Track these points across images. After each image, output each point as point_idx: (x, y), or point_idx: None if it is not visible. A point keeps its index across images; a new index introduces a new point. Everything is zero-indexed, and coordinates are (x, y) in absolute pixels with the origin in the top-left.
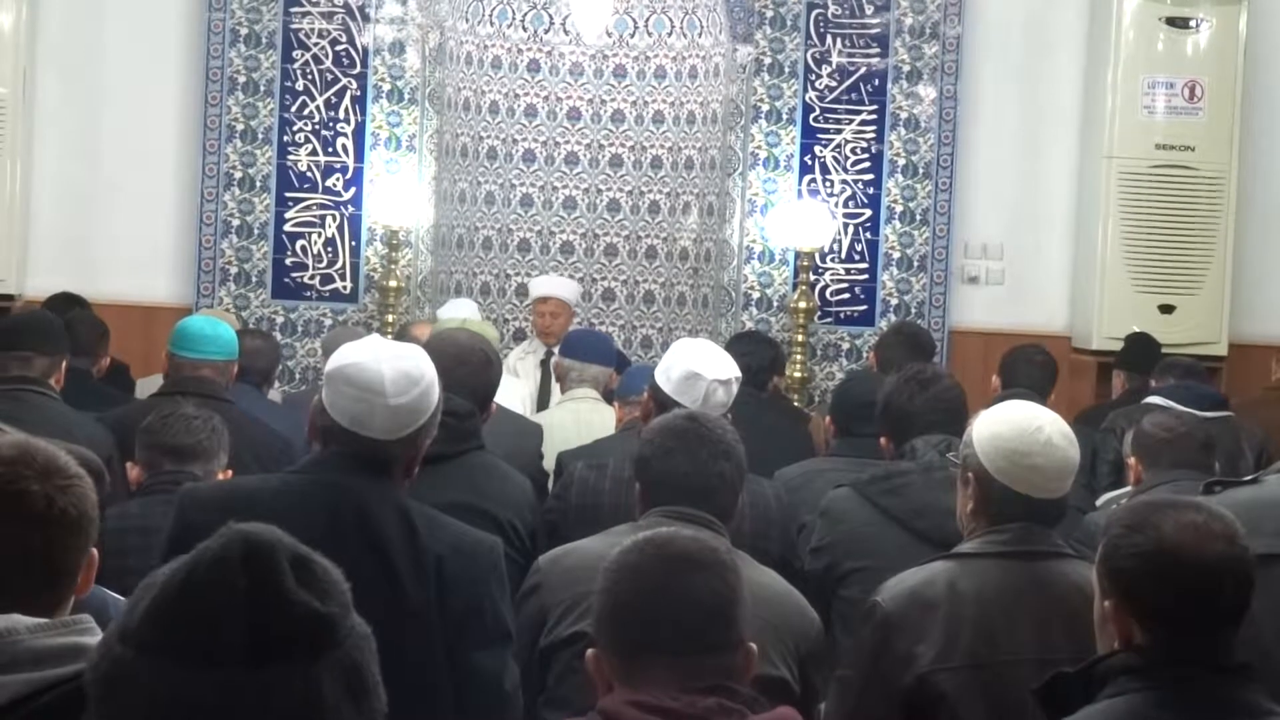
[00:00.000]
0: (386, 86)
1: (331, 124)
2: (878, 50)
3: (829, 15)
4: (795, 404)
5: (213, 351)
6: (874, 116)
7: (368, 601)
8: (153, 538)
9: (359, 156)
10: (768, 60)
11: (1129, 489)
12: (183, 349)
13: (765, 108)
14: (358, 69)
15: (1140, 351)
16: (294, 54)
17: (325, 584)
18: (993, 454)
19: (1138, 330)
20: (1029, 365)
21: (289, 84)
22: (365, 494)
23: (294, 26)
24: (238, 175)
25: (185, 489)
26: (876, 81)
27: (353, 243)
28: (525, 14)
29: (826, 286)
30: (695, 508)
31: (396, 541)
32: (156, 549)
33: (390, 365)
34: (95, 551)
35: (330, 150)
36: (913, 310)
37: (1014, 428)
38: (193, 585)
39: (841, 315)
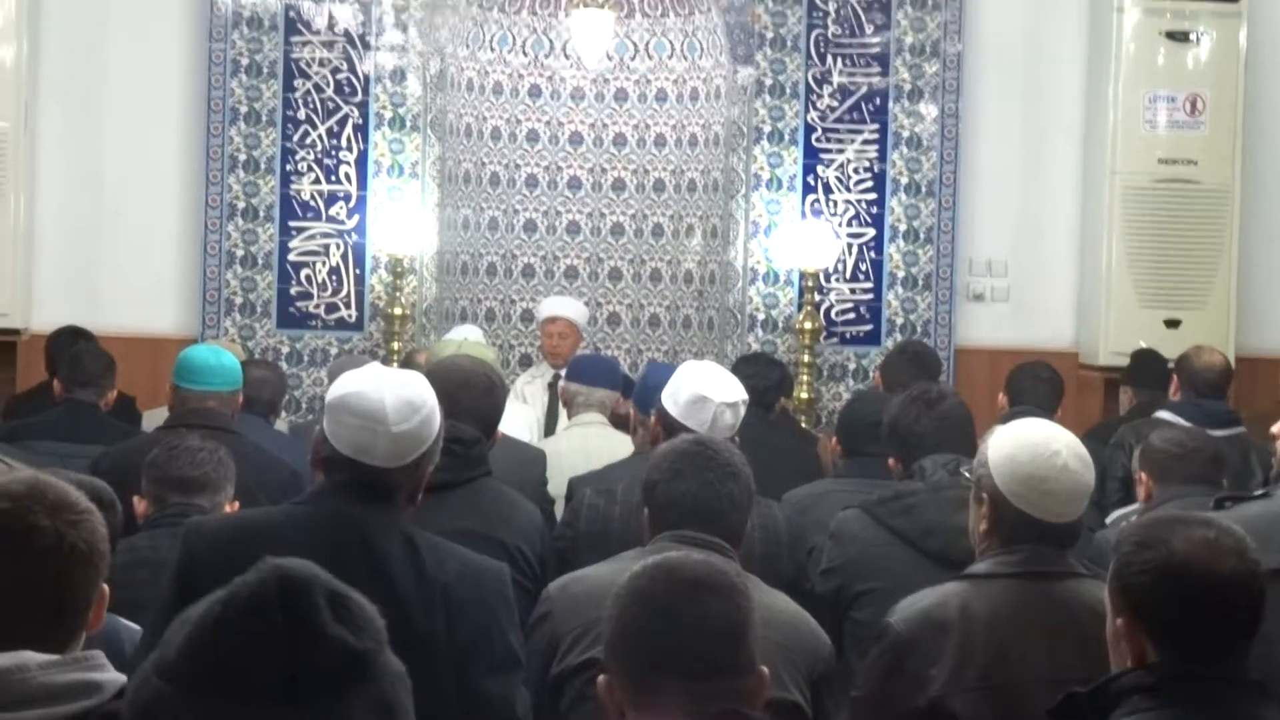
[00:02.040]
0: (388, 114)
1: (334, 152)
2: (878, 69)
3: (829, 35)
4: (803, 425)
5: (218, 383)
6: (876, 135)
7: None
8: (161, 571)
9: (362, 184)
10: (769, 81)
11: (1138, 506)
12: (187, 381)
13: (767, 129)
14: (359, 97)
15: (1146, 367)
16: (295, 83)
17: (361, 620)
18: (1008, 477)
19: (1144, 346)
20: (1036, 382)
21: (291, 113)
22: (369, 522)
23: (295, 56)
24: (241, 205)
25: (190, 522)
26: (878, 100)
27: (357, 271)
28: (526, 39)
29: (831, 307)
30: (704, 531)
31: (402, 569)
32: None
33: (391, 393)
34: (106, 587)
35: (333, 178)
36: (918, 329)
37: (1030, 452)
38: (230, 621)
39: (847, 335)
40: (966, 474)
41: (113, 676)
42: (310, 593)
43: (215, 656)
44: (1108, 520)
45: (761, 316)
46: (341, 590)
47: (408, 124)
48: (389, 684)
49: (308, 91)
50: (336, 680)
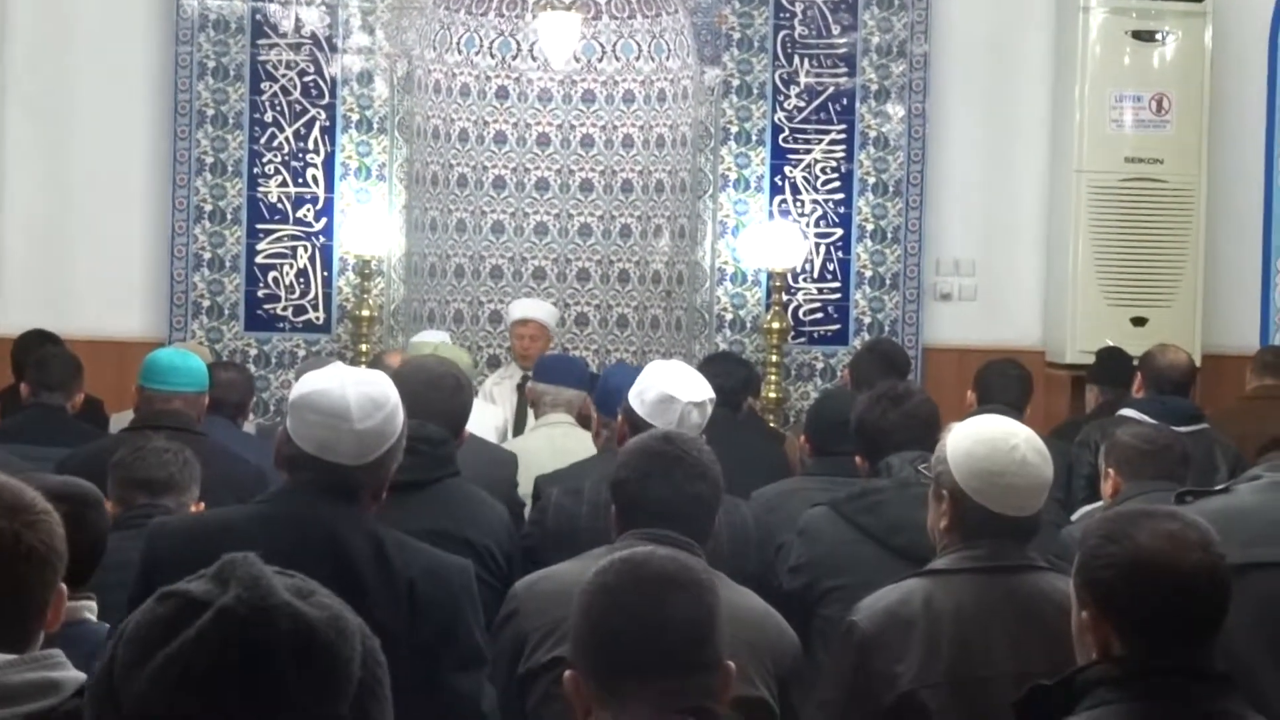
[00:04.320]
0: (355, 116)
1: (301, 155)
2: (845, 70)
3: (796, 36)
4: (771, 424)
5: (183, 384)
6: (843, 136)
7: None
8: (128, 572)
9: (329, 187)
10: (736, 82)
11: (1103, 503)
12: (153, 382)
13: (734, 129)
14: (326, 99)
15: (1113, 365)
16: (262, 86)
17: (332, 675)
18: (967, 473)
19: (1110, 344)
20: (1004, 380)
21: (258, 116)
22: (334, 520)
23: (262, 59)
24: (208, 208)
25: (155, 522)
26: (845, 101)
27: (325, 273)
28: (493, 41)
29: (799, 306)
30: (671, 529)
31: (367, 567)
32: None
33: (355, 390)
34: (64, 586)
35: (300, 181)
36: (886, 328)
37: (988, 446)
38: (189, 684)
39: (815, 335)
40: (925, 471)
41: (72, 675)
42: (271, 648)
43: (154, 698)
44: (1073, 517)
45: (729, 317)
46: (311, 633)
47: (375, 126)
48: None
49: (275, 94)
50: None
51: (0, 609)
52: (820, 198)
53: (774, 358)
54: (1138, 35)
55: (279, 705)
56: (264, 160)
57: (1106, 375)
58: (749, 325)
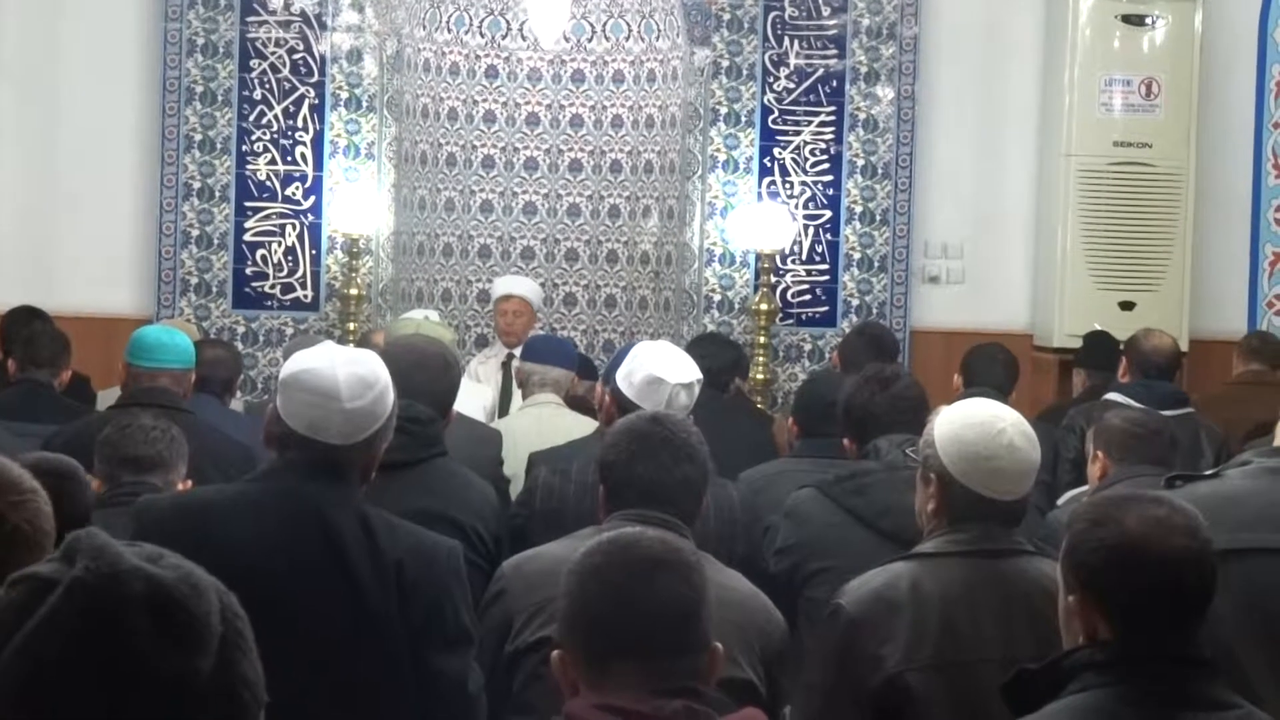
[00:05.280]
0: (344, 95)
1: (290, 133)
2: (835, 52)
3: (786, 17)
4: (758, 406)
5: (170, 360)
6: (832, 118)
7: (328, 607)
8: None
9: (318, 165)
10: (725, 63)
11: (1089, 487)
12: (139, 359)
13: (724, 110)
14: (315, 77)
15: (1099, 350)
16: (251, 63)
17: (194, 629)
18: (955, 456)
19: (1097, 328)
20: (991, 363)
21: (247, 93)
22: (323, 500)
23: (251, 36)
24: (196, 185)
25: (142, 500)
26: (834, 83)
27: (313, 251)
28: (482, 20)
29: (788, 288)
30: (659, 511)
31: (355, 547)
32: None
33: (345, 370)
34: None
35: (289, 159)
36: (874, 311)
37: (976, 430)
38: (49, 660)
39: (803, 317)
40: (913, 454)
41: None
42: (125, 611)
43: (14, 697)
44: (1059, 501)
45: (718, 298)
46: (165, 591)
47: (364, 105)
48: (236, 693)
49: (264, 72)
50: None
51: None
52: (809, 180)
53: (762, 339)
54: (1127, 19)
55: (140, 666)
56: (253, 138)
57: (1093, 359)
58: (737, 306)
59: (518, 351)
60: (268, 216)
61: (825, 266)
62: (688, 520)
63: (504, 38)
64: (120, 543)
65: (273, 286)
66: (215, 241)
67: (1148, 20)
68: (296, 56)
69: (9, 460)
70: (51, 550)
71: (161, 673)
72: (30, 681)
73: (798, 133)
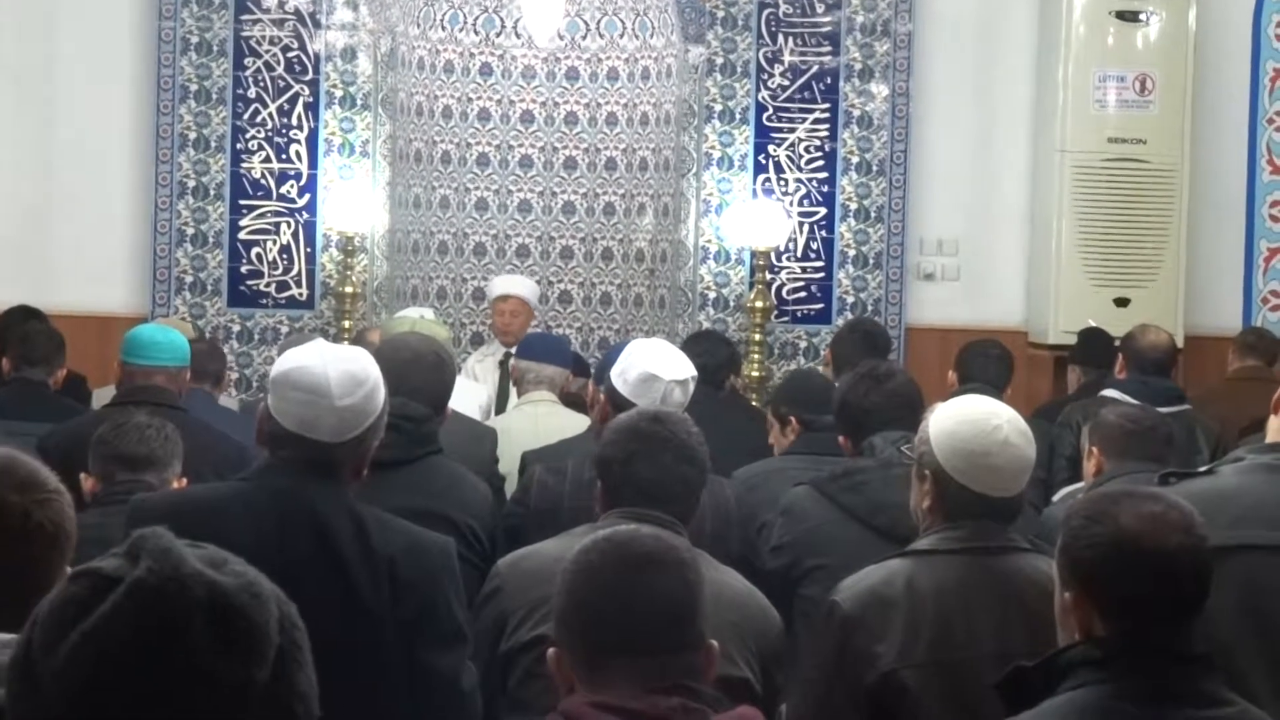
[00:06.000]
0: (339, 92)
1: (285, 131)
2: (829, 48)
3: (780, 14)
4: (753, 403)
5: (165, 358)
6: (827, 115)
7: (321, 605)
8: (110, 549)
9: (313, 163)
10: (720, 60)
11: (1084, 484)
12: (134, 356)
13: (718, 108)
14: (310, 75)
15: (1094, 346)
16: (246, 61)
17: (251, 639)
18: (949, 453)
19: (1091, 325)
20: (985, 360)
21: (241, 91)
22: (316, 498)
23: (245, 34)
24: (191, 184)
25: (136, 499)
26: (829, 80)
27: (308, 249)
28: (477, 18)
29: (783, 285)
30: (657, 510)
31: (348, 544)
32: None
33: (335, 367)
34: (70, 570)
35: (284, 157)
36: (869, 307)
37: (971, 426)
38: (107, 659)
39: (798, 314)
40: (908, 452)
41: None
42: (186, 616)
43: (71, 695)
44: (1055, 498)
45: (713, 295)
46: (226, 598)
47: (359, 102)
48: (289, 705)
49: (258, 70)
50: None
51: (4, 586)
52: (804, 176)
53: (757, 336)
54: (1121, 15)
55: (197, 672)
56: (247, 136)
57: (1088, 356)
58: (732, 304)
59: (515, 350)
60: (263, 214)
61: (820, 263)
62: (685, 520)
63: (498, 35)
64: (184, 543)
65: (268, 285)
66: (210, 239)
67: (1142, 16)
68: (291, 54)
69: (34, 460)
70: (71, 552)
71: (218, 680)
72: (86, 681)
73: (792, 130)
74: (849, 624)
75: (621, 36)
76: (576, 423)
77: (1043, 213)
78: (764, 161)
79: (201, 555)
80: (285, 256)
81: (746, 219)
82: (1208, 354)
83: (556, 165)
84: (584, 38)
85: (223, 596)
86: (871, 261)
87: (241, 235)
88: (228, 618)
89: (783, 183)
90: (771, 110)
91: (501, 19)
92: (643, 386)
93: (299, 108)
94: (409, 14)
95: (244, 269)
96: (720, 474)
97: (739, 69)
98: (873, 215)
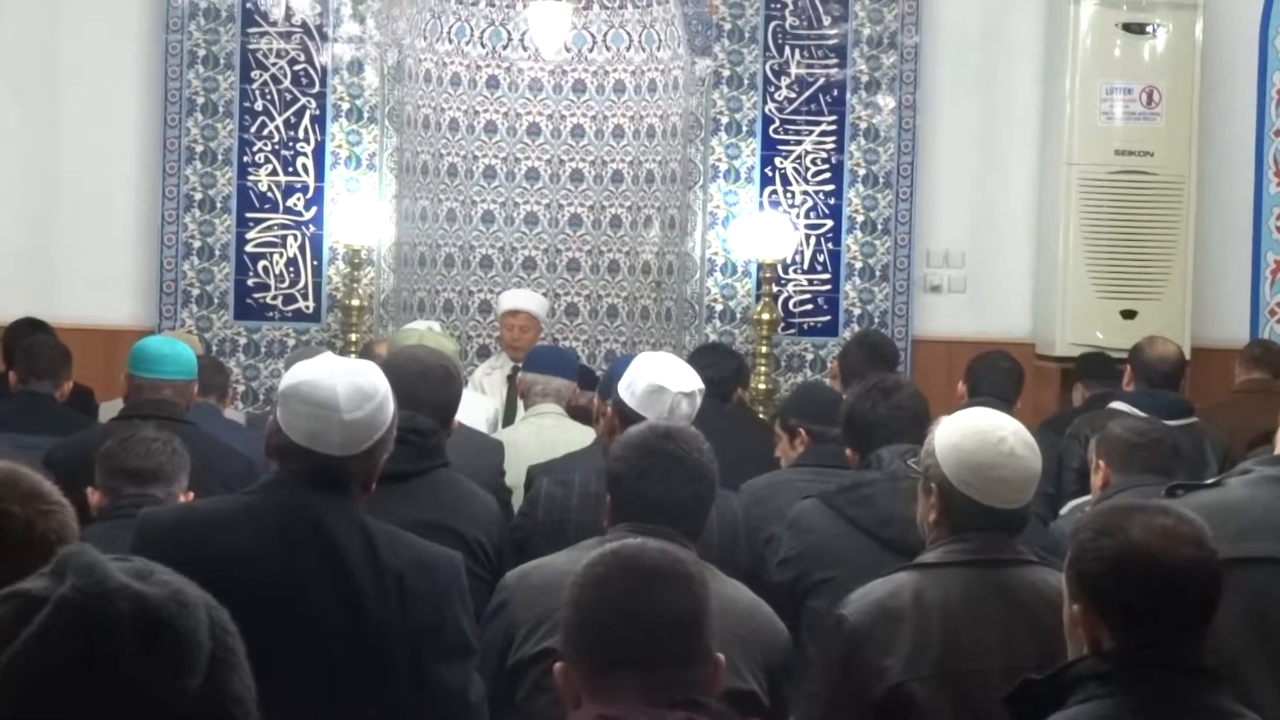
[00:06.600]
0: (346, 105)
1: (291, 144)
2: (836, 61)
3: (787, 27)
4: (760, 416)
5: (172, 371)
6: (834, 127)
7: (329, 618)
8: None
9: (319, 176)
10: (726, 73)
11: (1091, 496)
12: (142, 370)
13: (725, 120)
14: (316, 88)
15: (1096, 363)
16: (252, 74)
17: (182, 648)
18: (956, 466)
19: (1091, 349)
20: (995, 372)
21: (248, 104)
22: (323, 511)
23: (252, 47)
24: (198, 197)
25: (144, 512)
26: (835, 92)
27: (315, 262)
28: (483, 30)
29: (789, 298)
30: (666, 525)
31: (356, 558)
32: None
33: (344, 381)
34: None
35: (290, 170)
36: (876, 320)
37: (977, 439)
38: (38, 678)
39: (805, 326)
40: (915, 464)
41: None
42: (112, 631)
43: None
44: (1062, 511)
45: (719, 308)
46: (152, 609)
47: (365, 115)
48: (226, 710)
49: (265, 83)
50: None
51: None
52: (810, 189)
53: (764, 349)
54: (1128, 27)
55: (129, 686)
56: (254, 149)
57: (1091, 372)
58: (739, 316)
59: (522, 363)
60: (269, 228)
61: (827, 276)
62: (693, 536)
63: (505, 48)
64: (111, 558)
65: (274, 298)
66: (217, 253)
67: (1148, 29)
68: (298, 68)
69: (37, 473)
70: None
71: (149, 692)
72: (19, 703)
73: (799, 142)
74: (856, 637)
75: (628, 49)
76: (583, 435)
77: (1049, 225)
78: (770, 174)
79: (127, 568)
80: (292, 269)
81: (753, 231)
82: (1214, 366)
83: (563, 178)
84: (590, 50)
85: (148, 608)
86: (878, 274)
87: (248, 248)
88: (155, 629)
89: (789, 195)
90: (778, 123)
91: (508, 32)
92: (650, 399)
93: (306, 121)
94: (415, 27)
95: (250, 282)
96: (727, 487)
97: (745, 81)
98: (879, 227)
